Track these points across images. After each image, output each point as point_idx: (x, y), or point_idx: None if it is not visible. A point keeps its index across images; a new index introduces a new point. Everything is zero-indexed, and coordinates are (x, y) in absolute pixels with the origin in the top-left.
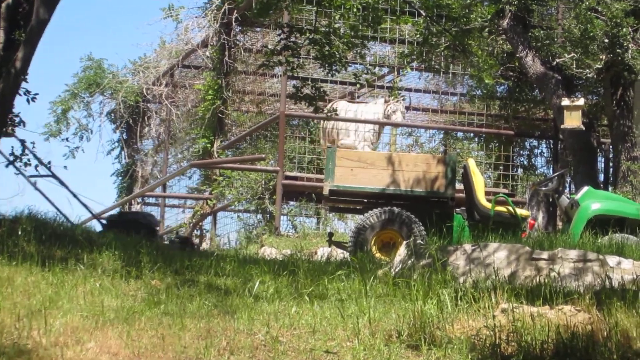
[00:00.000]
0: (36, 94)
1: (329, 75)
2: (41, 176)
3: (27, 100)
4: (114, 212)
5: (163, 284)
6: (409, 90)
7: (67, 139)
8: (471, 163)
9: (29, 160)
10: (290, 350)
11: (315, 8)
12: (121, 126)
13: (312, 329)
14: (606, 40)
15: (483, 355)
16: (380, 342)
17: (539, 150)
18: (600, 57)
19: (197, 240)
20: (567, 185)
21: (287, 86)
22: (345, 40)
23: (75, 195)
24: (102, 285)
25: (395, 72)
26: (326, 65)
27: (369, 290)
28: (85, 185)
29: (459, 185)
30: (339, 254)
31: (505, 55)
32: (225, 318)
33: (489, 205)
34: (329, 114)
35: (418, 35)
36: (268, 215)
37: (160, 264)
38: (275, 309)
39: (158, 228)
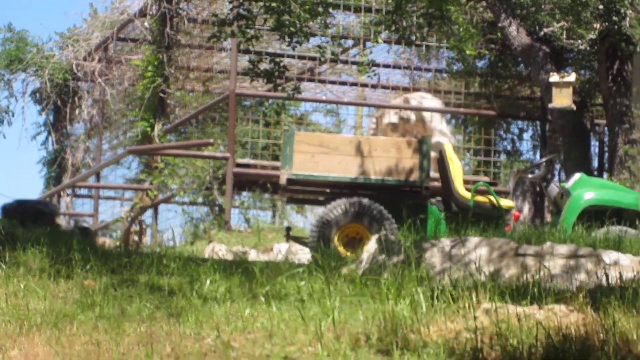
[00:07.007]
0: None
1: (291, 47)
2: None
3: None
4: (11, 200)
5: (98, 284)
6: (377, 65)
7: None
8: (447, 148)
9: None
10: (244, 356)
11: None
12: (48, 108)
13: (269, 333)
14: (601, 7)
15: None
16: (346, 347)
17: (525, 133)
18: (594, 26)
19: (136, 237)
20: (557, 172)
21: (237, 61)
22: (307, 7)
23: None
24: (27, 286)
25: (361, 45)
26: (286, 36)
27: (333, 289)
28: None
29: (434, 173)
30: (298, 250)
31: (485, 25)
32: (170, 321)
33: (468, 195)
34: (290, 93)
35: (390, 1)
36: (217, 208)
37: (94, 262)
38: (227, 310)
39: (58, 218)
